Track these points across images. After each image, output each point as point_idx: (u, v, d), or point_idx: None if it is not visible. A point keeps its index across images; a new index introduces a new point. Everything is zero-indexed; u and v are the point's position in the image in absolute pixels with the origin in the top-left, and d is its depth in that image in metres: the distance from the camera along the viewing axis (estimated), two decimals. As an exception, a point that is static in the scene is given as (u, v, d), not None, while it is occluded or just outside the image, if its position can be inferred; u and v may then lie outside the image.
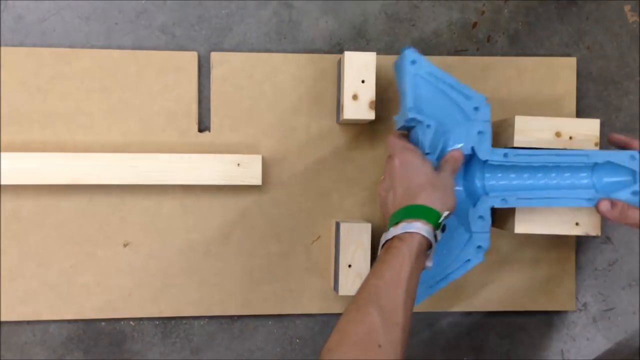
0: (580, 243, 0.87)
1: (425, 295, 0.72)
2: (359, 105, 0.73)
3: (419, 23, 0.83)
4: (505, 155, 0.71)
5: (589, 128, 0.76)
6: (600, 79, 0.86)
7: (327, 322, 0.83)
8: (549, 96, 0.84)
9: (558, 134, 0.75)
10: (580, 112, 0.86)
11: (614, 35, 0.86)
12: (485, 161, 0.72)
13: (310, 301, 0.81)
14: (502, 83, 0.83)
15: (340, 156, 0.81)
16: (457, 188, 0.73)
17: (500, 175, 0.74)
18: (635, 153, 0.71)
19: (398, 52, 0.82)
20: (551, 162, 0.72)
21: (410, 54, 0.69)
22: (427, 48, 0.83)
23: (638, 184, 0.71)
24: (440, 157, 0.70)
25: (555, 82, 0.84)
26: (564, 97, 0.84)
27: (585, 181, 0.74)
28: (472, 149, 0.71)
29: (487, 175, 0.74)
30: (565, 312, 0.88)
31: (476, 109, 0.71)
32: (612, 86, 0.86)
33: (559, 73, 0.84)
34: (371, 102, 0.73)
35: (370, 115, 0.74)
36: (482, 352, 0.86)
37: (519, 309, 0.85)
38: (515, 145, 0.75)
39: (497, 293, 0.84)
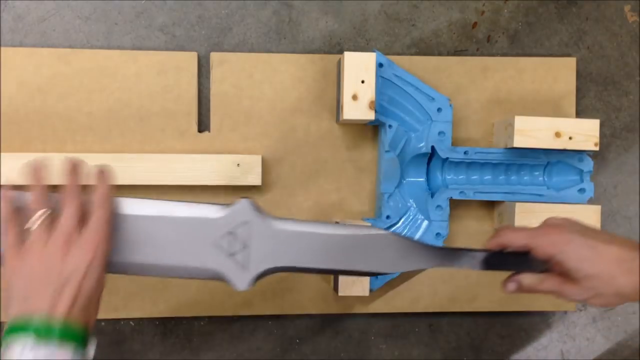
0: (580, 243, 0.87)
1: (388, 279, 0.79)
2: (358, 105, 0.74)
3: (419, 23, 0.83)
4: (466, 152, 0.78)
5: (589, 128, 0.76)
6: (600, 79, 0.86)
7: (327, 322, 0.83)
8: (548, 96, 0.84)
9: (558, 134, 0.75)
10: (580, 112, 0.86)
11: (614, 35, 0.86)
12: (446, 159, 0.78)
13: (310, 301, 0.81)
14: (502, 83, 0.83)
15: (340, 156, 0.81)
16: (419, 179, 0.79)
17: (460, 170, 0.80)
18: (583, 154, 0.78)
19: (398, 52, 0.83)
20: (508, 160, 0.79)
21: (378, 57, 0.75)
22: (427, 48, 0.83)
23: (584, 182, 0.79)
24: (400, 155, 0.77)
25: (555, 82, 0.84)
26: (563, 97, 0.84)
27: (539, 179, 0.81)
28: (433, 147, 0.77)
29: (447, 170, 0.80)
30: (565, 312, 0.88)
31: (439, 110, 0.77)
32: (612, 86, 0.87)
33: (559, 73, 0.84)
34: (371, 102, 0.74)
35: (370, 115, 0.74)
36: (482, 352, 0.86)
37: (519, 309, 0.85)
38: (515, 145, 0.75)
39: (497, 293, 0.84)
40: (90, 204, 0.54)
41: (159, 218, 0.57)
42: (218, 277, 0.58)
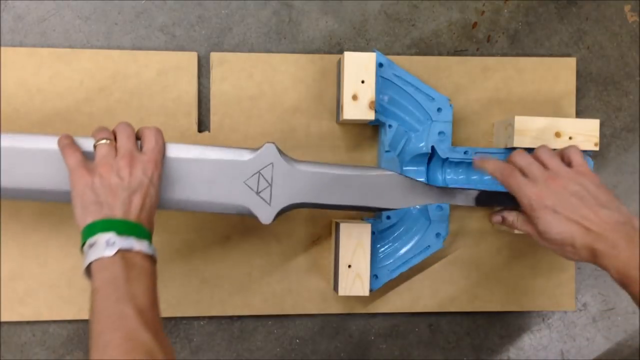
0: (580, 243, 0.87)
1: (387, 279, 0.78)
2: (358, 105, 0.74)
3: (419, 23, 0.83)
4: (466, 152, 0.77)
5: (589, 128, 0.76)
6: (600, 79, 0.86)
7: (327, 322, 0.83)
8: (548, 96, 0.84)
9: (558, 134, 0.75)
10: (580, 112, 0.86)
11: (614, 35, 0.86)
12: (446, 159, 0.77)
13: (310, 301, 0.81)
14: (502, 83, 0.83)
15: (340, 156, 0.81)
16: (420, 179, 0.78)
17: (460, 170, 0.80)
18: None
19: (398, 52, 0.83)
20: None
21: (378, 57, 0.75)
22: (427, 48, 0.83)
23: None
24: (400, 155, 0.77)
25: (555, 82, 0.84)
26: (563, 97, 0.84)
27: None
28: (432, 147, 0.77)
29: (447, 170, 0.80)
30: (565, 312, 0.88)
31: (439, 109, 0.77)
32: (612, 86, 0.87)
33: (559, 73, 0.84)
34: (371, 102, 0.74)
35: (370, 115, 0.74)
36: (482, 352, 0.86)
37: (519, 309, 0.85)
38: (515, 145, 0.75)
39: (497, 293, 0.84)
40: (143, 138, 0.64)
41: (196, 160, 0.66)
42: (245, 212, 0.68)
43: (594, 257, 0.62)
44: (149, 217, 0.61)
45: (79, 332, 0.80)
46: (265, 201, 0.67)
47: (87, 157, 0.62)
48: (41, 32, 0.78)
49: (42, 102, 0.77)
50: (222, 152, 0.67)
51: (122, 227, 0.57)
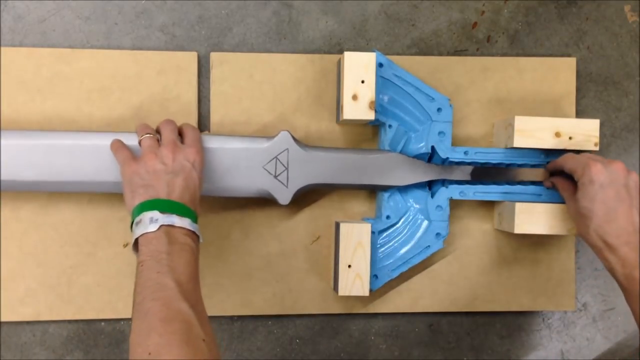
0: (580, 243, 0.87)
1: (387, 279, 0.78)
2: (358, 105, 0.74)
3: (418, 23, 0.83)
4: (466, 153, 0.77)
5: (589, 128, 0.76)
6: (600, 79, 0.86)
7: (327, 322, 0.83)
8: (548, 96, 0.84)
9: (558, 134, 0.75)
10: (580, 112, 0.86)
11: (614, 35, 0.86)
12: (446, 158, 0.77)
13: (310, 301, 0.81)
14: (502, 83, 0.83)
15: (340, 156, 0.81)
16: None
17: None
18: None
19: (398, 52, 0.83)
20: (508, 160, 0.78)
21: (378, 57, 0.75)
22: (427, 48, 0.83)
23: None
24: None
25: (555, 82, 0.84)
26: (563, 97, 0.84)
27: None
28: (432, 147, 0.77)
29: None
30: (565, 312, 0.88)
31: (439, 110, 0.77)
32: (612, 86, 0.87)
33: (559, 73, 0.84)
34: (371, 102, 0.74)
35: (370, 115, 0.74)
36: (482, 352, 0.86)
37: (519, 309, 0.85)
38: (515, 145, 0.75)
39: (497, 293, 0.84)
40: (183, 131, 0.70)
41: (218, 149, 0.73)
42: (265, 195, 0.74)
43: (603, 248, 0.66)
44: (192, 198, 0.65)
45: (78, 332, 0.80)
46: (283, 184, 0.74)
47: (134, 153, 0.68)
48: (41, 32, 0.78)
49: (42, 102, 0.77)
50: (241, 141, 0.74)
51: (165, 206, 0.62)
